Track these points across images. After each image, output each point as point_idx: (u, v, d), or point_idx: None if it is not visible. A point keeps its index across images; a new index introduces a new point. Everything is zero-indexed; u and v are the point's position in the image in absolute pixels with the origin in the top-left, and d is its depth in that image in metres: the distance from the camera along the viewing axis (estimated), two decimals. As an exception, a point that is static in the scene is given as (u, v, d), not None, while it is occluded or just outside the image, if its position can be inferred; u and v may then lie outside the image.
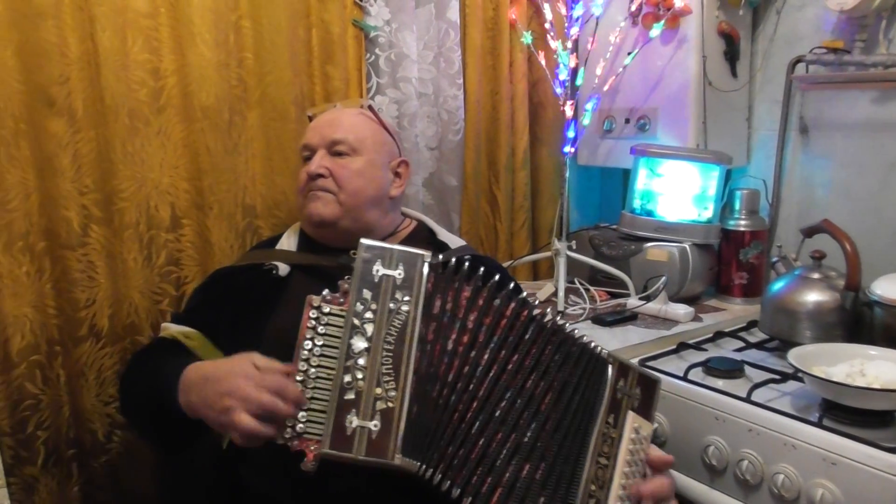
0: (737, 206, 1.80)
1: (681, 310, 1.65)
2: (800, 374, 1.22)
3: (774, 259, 1.58)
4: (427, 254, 1.05)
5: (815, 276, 1.45)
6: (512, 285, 1.09)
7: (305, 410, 0.99)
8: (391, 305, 1.02)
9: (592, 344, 1.09)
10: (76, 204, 1.37)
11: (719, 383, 1.31)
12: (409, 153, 1.82)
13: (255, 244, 1.51)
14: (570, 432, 1.03)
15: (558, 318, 1.09)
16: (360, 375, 0.98)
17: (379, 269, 1.03)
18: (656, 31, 1.75)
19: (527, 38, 1.88)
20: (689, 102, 1.79)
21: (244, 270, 1.32)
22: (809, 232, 1.51)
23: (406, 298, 1.02)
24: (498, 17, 1.90)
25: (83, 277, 1.40)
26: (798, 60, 1.74)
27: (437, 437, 1.00)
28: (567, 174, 1.80)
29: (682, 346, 1.49)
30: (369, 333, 1.00)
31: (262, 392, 0.97)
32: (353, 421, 0.97)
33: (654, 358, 1.45)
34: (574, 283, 1.84)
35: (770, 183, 1.84)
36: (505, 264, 1.92)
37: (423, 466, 0.98)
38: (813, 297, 1.43)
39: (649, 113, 1.86)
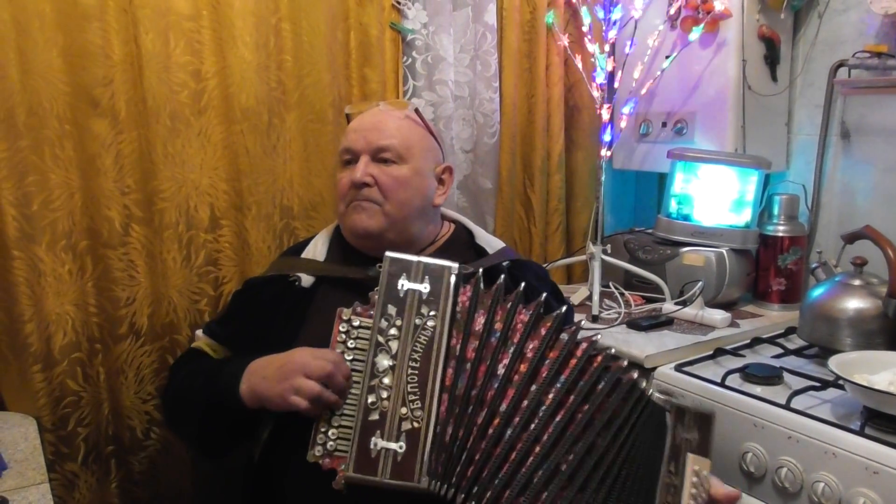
0: (776, 211, 1.77)
1: (717, 315, 1.63)
2: (841, 382, 1.20)
3: (814, 265, 1.55)
4: (454, 266, 1.02)
5: (857, 282, 1.43)
6: (565, 308, 1.05)
7: (336, 428, 0.98)
8: (417, 321, 0.99)
9: (649, 390, 1.04)
10: (118, 204, 1.40)
11: (757, 390, 1.29)
12: (444, 155, 1.83)
13: (287, 249, 1.47)
14: (635, 486, 0.98)
15: (636, 373, 1.04)
16: (384, 395, 0.96)
17: (404, 284, 1.00)
18: (695, 34, 1.73)
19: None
20: (728, 106, 1.77)
21: (270, 282, 1.28)
22: (851, 238, 1.49)
23: (433, 313, 0.99)
24: (535, 20, 1.90)
25: (124, 276, 1.43)
26: (840, 64, 1.71)
27: (479, 467, 0.96)
28: (602, 178, 1.79)
29: (719, 352, 1.47)
30: (394, 350, 0.98)
31: (320, 360, 0.99)
32: (378, 443, 0.95)
33: (691, 363, 1.43)
34: (609, 287, 1.83)
35: (810, 188, 1.81)
36: (539, 268, 1.92)
37: (454, 492, 0.95)
38: (854, 303, 1.40)
39: (687, 117, 1.85)
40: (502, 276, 1.05)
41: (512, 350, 1.00)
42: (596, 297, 1.72)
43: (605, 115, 1.77)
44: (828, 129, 1.77)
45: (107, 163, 1.38)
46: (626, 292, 1.81)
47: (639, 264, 1.82)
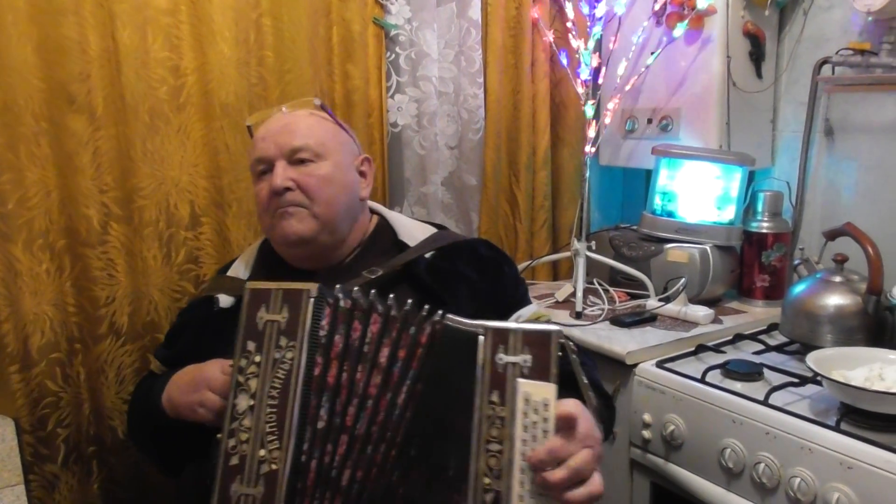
0: (760, 207, 1.77)
1: (701, 312, 1.63)
2: (818, 378, 1.20)
3: (797, 262, 1.55)
4: (312, 288, 0.95)
5: (837, 279, 1.43)
6: (426, 307, 0.96)
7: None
8: (276, 355, 0.93)
9: (462, 323, 0.94)
10: (96, 202, 1.39)
11: (737, 386, 1.29)
12: (428, 152, 1.83)
13: (224, 265, 1.39)
14: (453, 429, 0.91)
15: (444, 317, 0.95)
16: (244, 437, 0.92)
17: (263, 315, 0.94)
18: (680, 30, 1.73)
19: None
20: (713, 103, 1.77)
21: (201, 302, 1.26)
22: (832, 235, 1.49)
23: (291, 343, 0.93)
24: (520, 16, 1.89)
25: (103, 275, 1.41)
26: (824, 62, 1.71)
27: (355, 497, 0.93)
28: (588, 174, 1.79)
29: (701, 349, 1.47)
30: (253, 389, 0.93)
31: (226, 376, 0.99)
32: (237, 489, 0.91)
33: (672, 360, 1.43)
34: (593, 283, 1.83)
35: (794, 185, 1.81)
36: (524, 264, 1.91)
37: None
38: (834, 300, 1.40)
39: (672, 113, 1.84)
40: (355, 289, 0.98)
41: (368, 365, 0.95)
42: (580, 294, 1.72)
43: (590, 112, 1.77)
44: (812, 126, 1.77)
45: (84, 160, 1.36)
46: (611, 289, 1.81)
47: (624, 261, 1.82)
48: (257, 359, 0.93)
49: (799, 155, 1.79)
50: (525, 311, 1.26)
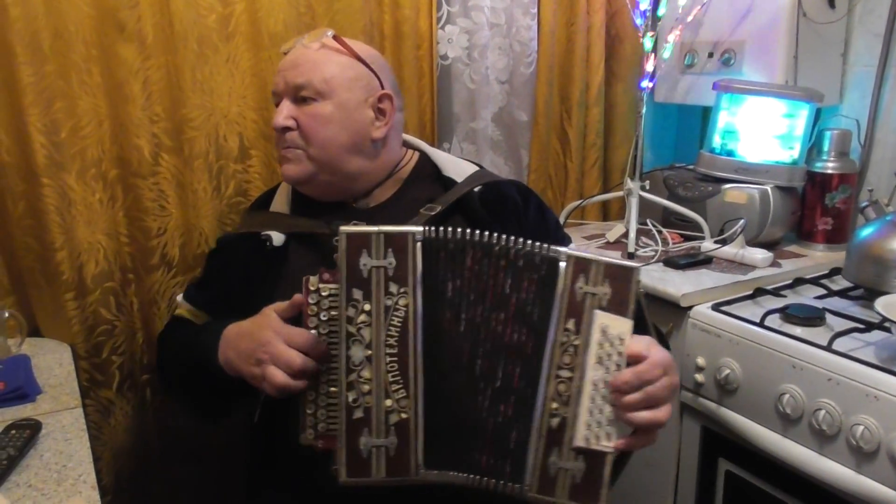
0: (826, 147, 1.69)
1: (759, 255, 1.57)
2: (887, 324, 1.15)
3: (864, 203, 1.48)
4: (417, 231, 0.92)
5: (910, 221, 1.36)
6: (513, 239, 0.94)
7: (324, 407, 0.95)
8: (387, 302, 0.90)
9: (543, 247, 0.92)
10: (147, 132, 1.38)
11: (798, 331, 1.25)
12: (478, 86, 1.78)
13: (255, 199, 1.38)
14: (524, 352, 0.92)
15: (508, 240, 0.93)
16: (365, 389, 0.90)
17: (367, 262, 0.90)
18: (747, -44, 1.63)
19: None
20: (780, 35, 1.67)
21: (242, 239, 1.22)
22: (906, 175, 1.41)
23: (403, 290, 0.90)
24: (576, -59, 1.81)
25: (154, 206, 1.42)
26: (905, -11, 1.60)
27: (460, 437, 0.93)
28: (643, 111, 1.72)
29: (759, 292, 1.43)
30: (367, 339, 0.90)
31: (291, 350, 0.95)
32: (367, 441, 0.90)
33: (729, 303, 1.39)
34: (646, 224, 1.78)
35: (864, 123, 1.72)
36: (574, 204, 1.87)
37: (451, 473, 0.92)
38: (905, 244, 1.34)
39: (735, 46, 1.75)
40: (449, 230, 0.94)
41: (464, 303, 0.93)
42: (632, 235, 1.68)
43: (648, 45, 1.69)
44: (887, 60, 1.66)
45: (135, 89, 1.35)
46: (664, 230, 1.76)
47: (678, 201, 1.76)
48: (367, 307, 0.90)
49: (871, 91, 1.70)
50: None
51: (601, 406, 0.90)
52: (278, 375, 0.95)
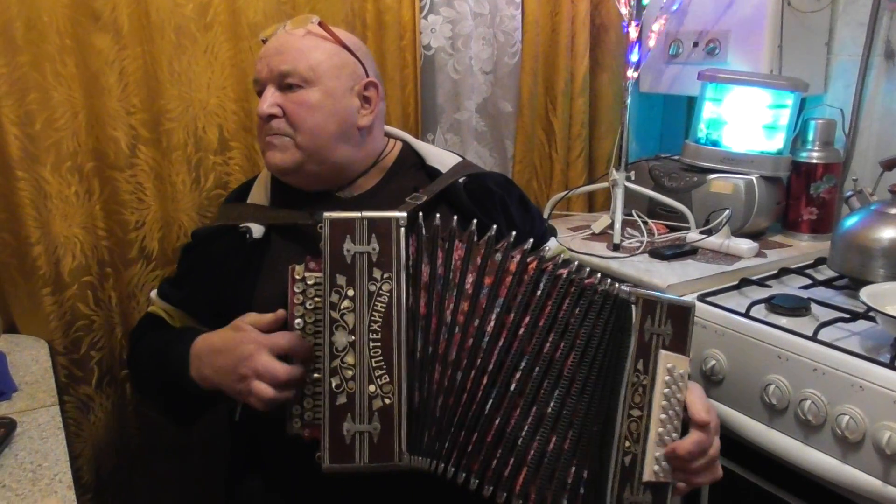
0: (810, 136, 1.68)
1: (744, 245, 1.57)
2: (871, 314, 1.15)
3: (849, 193, 1.48)
4: (401, 216, 0.92)
5: (893, 211, 1.35)
6: (514, 234, 0.98)
7: (311, 396, 0.94)
8: (371, 287, 0.91)
9: (614, 286, 0.97)
10: (124, 124, 1.36)
11: (783, 321, 1.25)
12: (462, 76, 1.76)
13: (232, 192, 1.37)
14: (596, 392, 0.94)
15: (574, 265, 0.97)
16: (349, 374, 0.90)
17: (350, 248, 0.91)
18: (731, -56, 1.62)
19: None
20: (765, 25, 1.66)
21: (220, 233, 1.20)
22: (890, 164, 1.41)
23: (386, 276, 0.91)
24: (560, -69, 1.79)
25: (132, 199, 1.39)
26: (888, -23, 1.60)
27: (447, 425, 0.93)
28: (628, 101, 1.71)
29: (745, 283, 1.42)
30: (351, 325, 0.90)
31: (275, 362, 0.94)
32: (351, 427, 0.90)
33: (715, 293, 1.38)
34: (632, 215, 1.77)
35: (848, 113, 1.72)
36: (559, 195, 1.86)
37: (436, 463, 0.92)
38: (889, 233, 1.33)
39: (720, 36, 1.74)
40: (437, 217, 0.97)
41: (454, 292, 0.94)
42: (618, 226, 1.67)
43: (633, 34, 1.68)
44: (871, 50, 1.66)
45: (111, 80, 1.32)
46: (650, 221, 1.75)
47: (664, 192, 1.76)
48: (350, 293, 0.91)
49: (855, 80, 1.69)
50: (550, 246, 1.28)
51: (668, 441, 0.93)
52: (265, 390, 0.93)
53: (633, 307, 0.94)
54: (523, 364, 0.94)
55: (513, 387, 0.93)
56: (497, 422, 0.93)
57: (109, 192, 1.37)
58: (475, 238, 0.96)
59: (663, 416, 0.93)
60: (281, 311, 0.99)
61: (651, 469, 0.93)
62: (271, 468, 1.13)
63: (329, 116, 1.14)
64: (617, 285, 0.96)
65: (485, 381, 0.93)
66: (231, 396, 1.00)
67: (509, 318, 0.94)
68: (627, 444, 0.93)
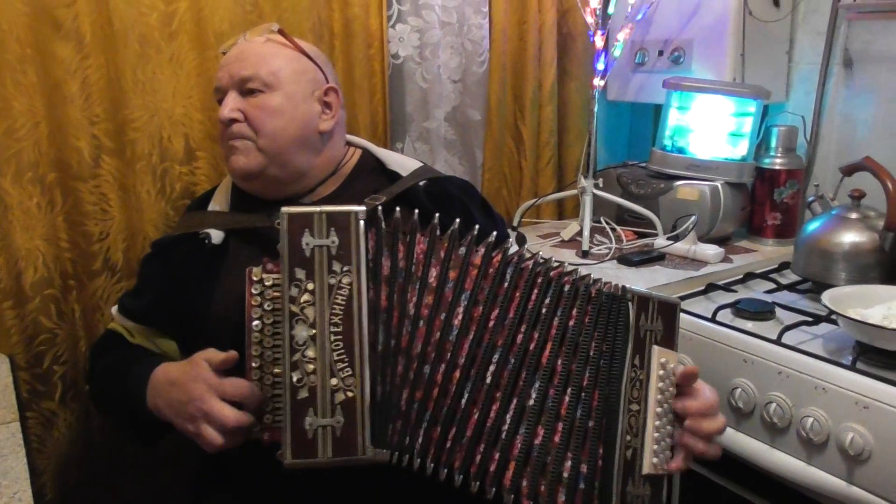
0: (773, 143, 1.71)
1: (710, 250, 1.59)
2: (834, 317, 1.17)
3: (811, 198, 1.50)
4: (360, 209, 0.93)
5: (854, 215, 1.38)
6: (477, 228, 0.98)
7: (269, 398, 0.93)
8: (331, 280, 0.90)
9: (590, 279, 0.97)
10: (87, 134, 1.33)
11: (749, 325, 1.26)
12: (431, 85, 1.76)
13: (192, 202, 1.36)
14: (589, 386, 0.93)
15: (538, 255, 0.97)
16: (310, 368, 0.89)
17: (309, 241, 0.90)
18: (694, -45, 1.65)
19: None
20: (727, 33, 1.69)
21: (179, 241, 1.19)
22: (849, 170, 1.44)
23: (346, 269, 0.91)
24: (526, -59, 1.80)
25: (96, 210, 1.37)
26: (846, -12, 1.63)
27: (416, 419, 0.93)
28: (595, 109, 1.73)
29: (711, 287, 1.44)
30: (311, 318, 0.90)
31: (225, 409, 0.92)
32: (313, 422, 0.89)
33: (682, 299, 1.37)
34: (600, 222, 1.78)
35: (809, 119, 1.75)
36: (529, 203, 1.87)
37: (407, 457, 0.92)
38: (850, 237, 1.36)
39: (684, 45, 1.77)
40: (397, 210, 0.97)
41: (417, 285, 0.95)
42: (586, 233, 1.68)
43: (599, 43, 1.70)
44: (830, 58, 1.70)
45: (73, 90, 1.30)
46: (618, 227, 1.77)
47: (632, 199, 1.77)
48: (310, 286, 0.90)
49: (815, 88, 1.73)
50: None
51: (663, 434, 0.95)
52: (213, 436, 0.93)
53: (630, 304, 0.95)
54: (496, 357, 0.93)
55: (488, 380, 0.93)
56: (476, 416, 0.92)
57: (72, 203, 1.35)
58: (437, 232, 0.97)
59: (659, 409, 0.94)
60: (233, 353, 0.97)
61: (650, 462, 0.93)
62: (239, 480, 1.12)
63: (290, 120, 1.15)
64: (591, 277, 0.97)
65: (457, 375, 0.93)
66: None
67: (477, 310, 0.94)
68: (629, 438, 0.93)
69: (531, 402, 0.93)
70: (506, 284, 0.95)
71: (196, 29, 1.42)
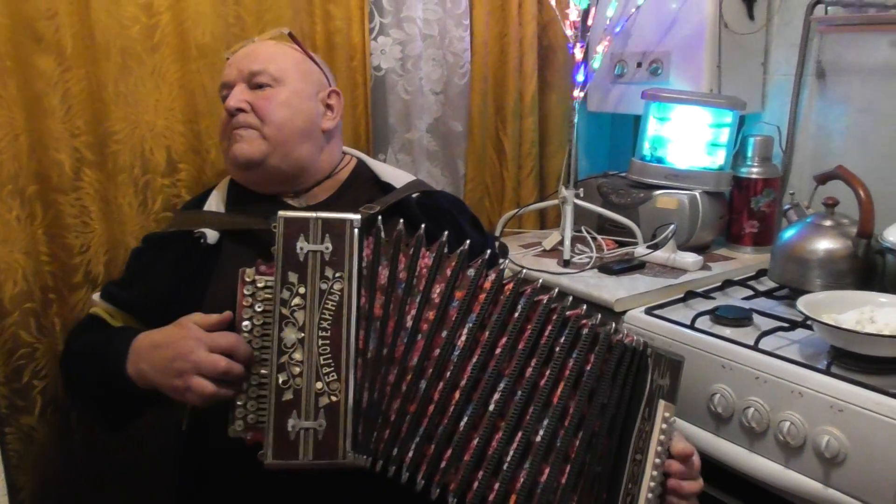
0: (749, 153, 1.74)
1: (689, 258, 1.61)
2: (809, 322, 1.19)
3: (786, 207, 1.53)
4: (355, 218, 0.94)
5: (828, 223, 1.41)
6: (468, 243, 0.98)
7: (254, 399, 0.93)
8: (322, 286, 0.92)
9: (611, 327, 0.98)
10: (67, 146, 1.33)
11: (727, 331, 1.28)
12: (413, 97, 1.77)
13: (188, 201, 1.38)
14: (601, 431, 0.94)
15: (554, 292, 0.98)
16: (296, 371, 0.90)
17: (303, 246, 0.92)
18: (670, -31, 1.67)
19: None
20: (704, 46, 1.72)
21: (173, 238, 1.20)
22: (823, 178, 1.46)
23: (338, 275, 0.92)
24: (506, -46, 1.83)
25: (77, 223, 1.36)
26: (817, 2, 1.67)
27: (407, 432, 0.93)
28: (576, 120, 1.75)
29: (690, 295, 1.46)
30: (301, 322, 0.91)
31: (214, 355, 0.93)
32: (296, 424, 0.90)
33: (661, 307, 1.42)
34: (581, 231, 1.80)
35: (784, 129, 1.78)
36: (511, 213, 1.88)
37: (392, 466, 0.92)
38: (824, 244, 1.38)
39: (662, 57, 1.80)
40: (401, 222, 0.98)
41: (419, 299, 0.95)
42: (567, 242, 1.70)
43: (579, 55, 1.72)
44: (803, 69, 1.73)
45: (54, 102, 1.30)
46: (599, 237, 1.79)
47: (612, 208, 1.79)
48: (301, 290, 0.92)
49: (790, 98, 1.76)
50: None
51: (656, 483, 0.98)
52: (204, 385, 0.92)
53: (650, 360, 0.99)
54: (502, 385, 0.92)
55: (491, 407, 0.92)
56: (476, 441, 0.92)
57: (53, 216, 1.34)
58: (445, 249, 0.97)
59: (657, 460, 0.97)
60: (227, 313, 0.98)
61: None
62: (220, 485, 1.12)
63: (296, 113, 1.20)
64: (613, 326, 0.98)
65: (457, 396, 0.93)
66: (167, 394, 0.98)
67: (483, 335, 0.94)
68: (630, 485, 0.96)
69: (538, 438, 0.92)
70: (516, 314, 0.95)
71: (178, 41, 1.42)
